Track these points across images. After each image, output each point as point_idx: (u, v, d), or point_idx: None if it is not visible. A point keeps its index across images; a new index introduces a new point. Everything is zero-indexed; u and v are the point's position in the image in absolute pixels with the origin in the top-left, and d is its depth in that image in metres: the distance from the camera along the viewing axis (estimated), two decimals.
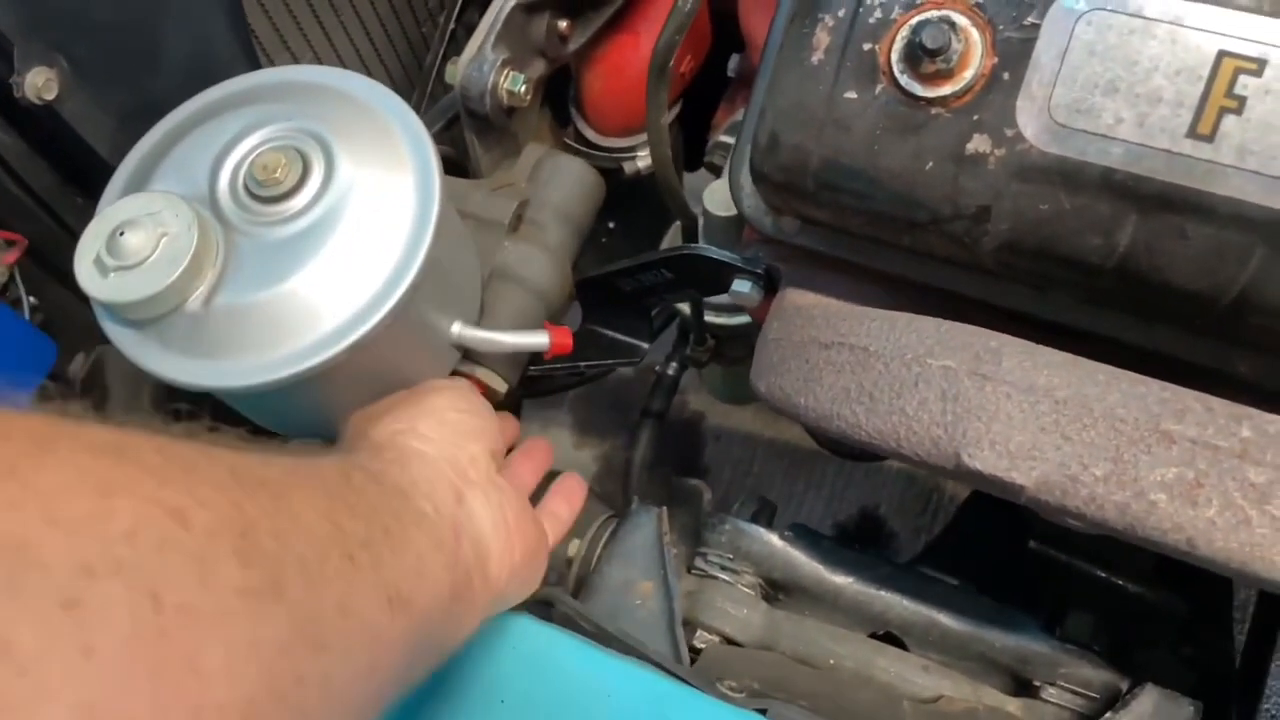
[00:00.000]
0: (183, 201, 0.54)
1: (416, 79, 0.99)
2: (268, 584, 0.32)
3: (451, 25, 0.98)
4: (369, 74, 0.89)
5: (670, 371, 0.97)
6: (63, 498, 0.27)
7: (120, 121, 0.72)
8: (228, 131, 0.59)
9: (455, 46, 0.96)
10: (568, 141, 0.95)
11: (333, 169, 0.57)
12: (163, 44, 0.75)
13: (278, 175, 0.56)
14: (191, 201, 0.55)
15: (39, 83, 0.67)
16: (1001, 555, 0.77)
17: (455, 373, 0.70)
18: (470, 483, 0.53)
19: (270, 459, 0.38)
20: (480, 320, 0.72)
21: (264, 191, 0.56)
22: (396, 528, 0.43)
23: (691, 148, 1.02)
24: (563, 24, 0.81)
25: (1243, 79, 0.44)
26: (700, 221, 0.81)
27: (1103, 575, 0.72)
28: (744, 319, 0.87)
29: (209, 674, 0.28)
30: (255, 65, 0.81)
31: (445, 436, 0.54)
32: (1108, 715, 0.61)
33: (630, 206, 0.97)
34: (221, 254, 0.55)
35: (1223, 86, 0.45)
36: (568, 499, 0.68)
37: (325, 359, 0.54)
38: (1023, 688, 0.67)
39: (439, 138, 0.83)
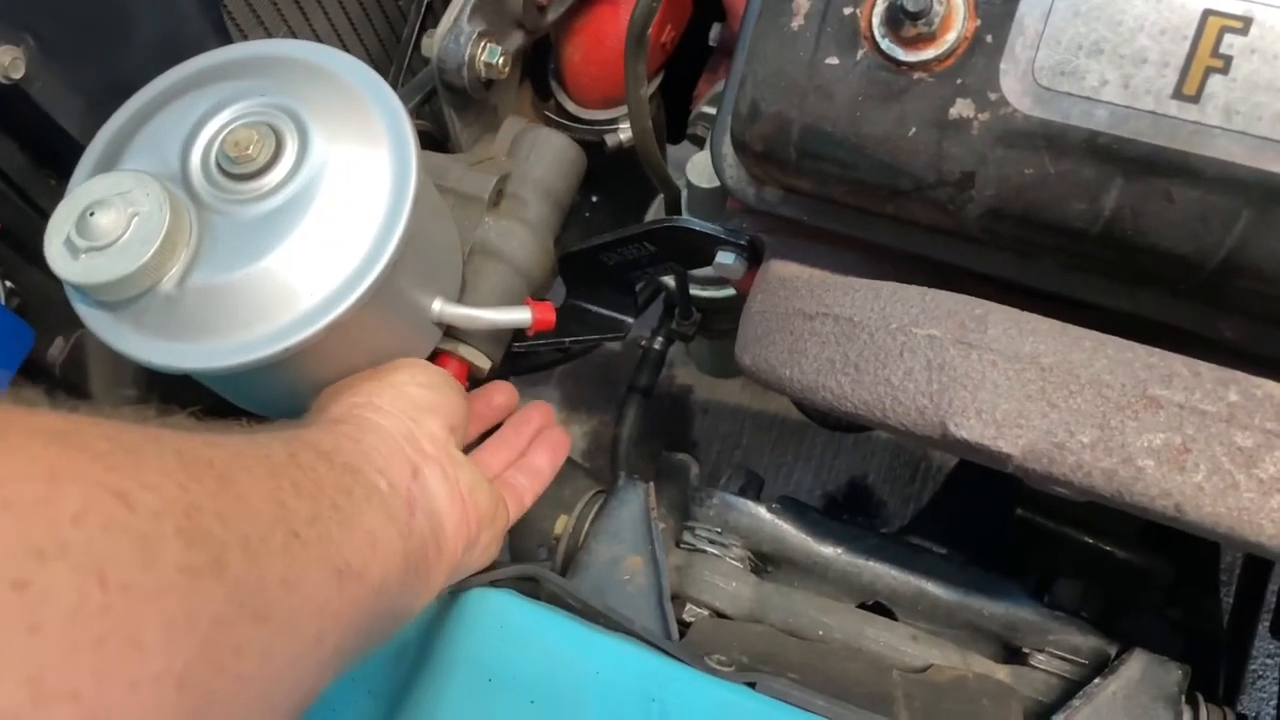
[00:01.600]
0: (154, 180, 0.53)
1: (394, 52, 0.97)
2: (209, 562, 0.34)
3: None
4: (345, 48, 0.88)
5: (657, 346, 0.96)
6: (14, 483, 0.29)
7: (90, 100, 0.71)
8: (199, 108, 0.58)
9: (433, 19, 0.95)
10: (548, 115, 0.94)
11: (306, 145, 0.56)
12: (132, 20, 0.74)
13: (250, 152, 0.55)
14: (163, 180, 0.54)
15: (5, 62, 0.65)
16: (989, 523, 0.77)
17: (437, 351, 0.69)
18: (426, 457, 0.53)
19: (218, 440, 0.40)
20: (461, 297, 0.71)
21: (237, 169, 0.55)
22: (346, 503, 0.44)
23: (675, 119, 1.01)
24: None
25: (1228, 38, 0.44)
26: (684, 194, 0.80)
27: (1090, 541, 0.72)
28: (730, 291, 0.87)
29: (148, 647, 0.30)
30: (227, 40, 0.79)
31: (403, 410, 0.55)
32: (1096, 681, 0.61)
33: (613, 180, 0.96)
34: (195, 233, 0.54)
35: (1208, 46, 0.44)
36: (550, 452, 0.69)
37: (303, 338, 0.53)
38: (1012, 655, 0.67)
39: (417, 112, 0.82)
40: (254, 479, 0.39)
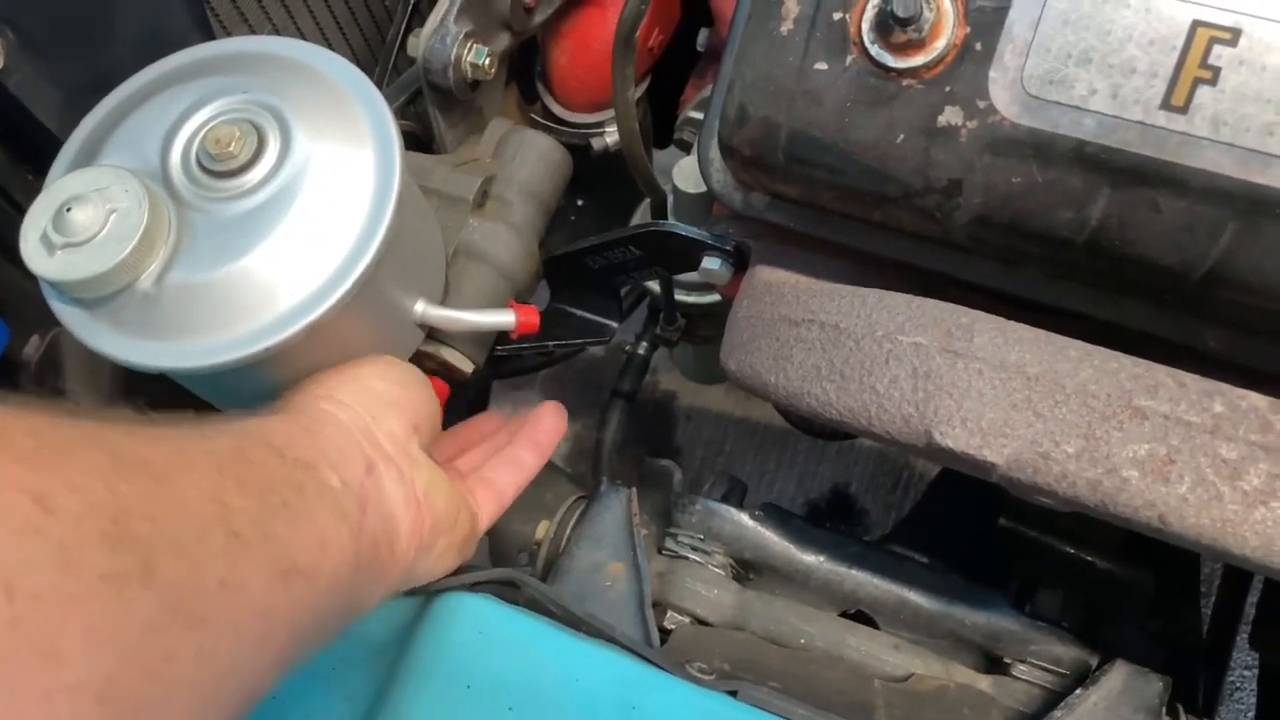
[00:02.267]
0: (132, 176, 0.52)
1: (379, 52, 0.97)
2: (137, 566, 0.33)
3: None
4: (329, 47, 0.87)
5: (641, 351, 0.96)
6: None
7: (69, 94, 0.70)
8: (180, 104, 0.57)
9: (419, 19, 0.94)
10: (534, 118, 0.94)
11: (289, 143, 0.55)
12: (114, 14, 0.73)
13: (231, 149, 0.54)
14: (142, 176, 0.53)
15: None
16: (972, 533, 0.77)
17: (420, 352, 0.69)
18: (384, 455, 0.52)
19: (162, 435, 0.39)
20: (445, 299, 0.71)
21: (217, 166, 0.54)
22: (296, 501, 0.43)
23: (661, 125, 1.00)
24: None
25: (1217, 49, 0.44)
26: (670, 199, 0.80)
27: (1072, 552, 0.72)
28: (714, 297, 0.86)
29: (64, 658, 0.29)
30: (210, 37, 0.78)
31: (364, 405, 0.53)
32: (1078, 691, 0.61)
33: (599, 184, 0.95)
34: (174, 230, 0.53)
35: (1197, 57, 0.44)
36: (534, 442, 0.66)
37: (282, 339, 0.53)
38: (993, 665, 0.67)
39: (402, 113, 0.82)
40: (195, 477, 0.38)
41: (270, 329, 0.53)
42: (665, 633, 0.67)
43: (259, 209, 0.54)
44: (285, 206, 0.54)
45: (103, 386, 0.80)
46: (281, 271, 0.54)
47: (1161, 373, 0.49)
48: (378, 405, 0.54)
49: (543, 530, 0.74)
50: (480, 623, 0.56)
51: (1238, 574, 0.95)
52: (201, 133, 0.55)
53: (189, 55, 0.61)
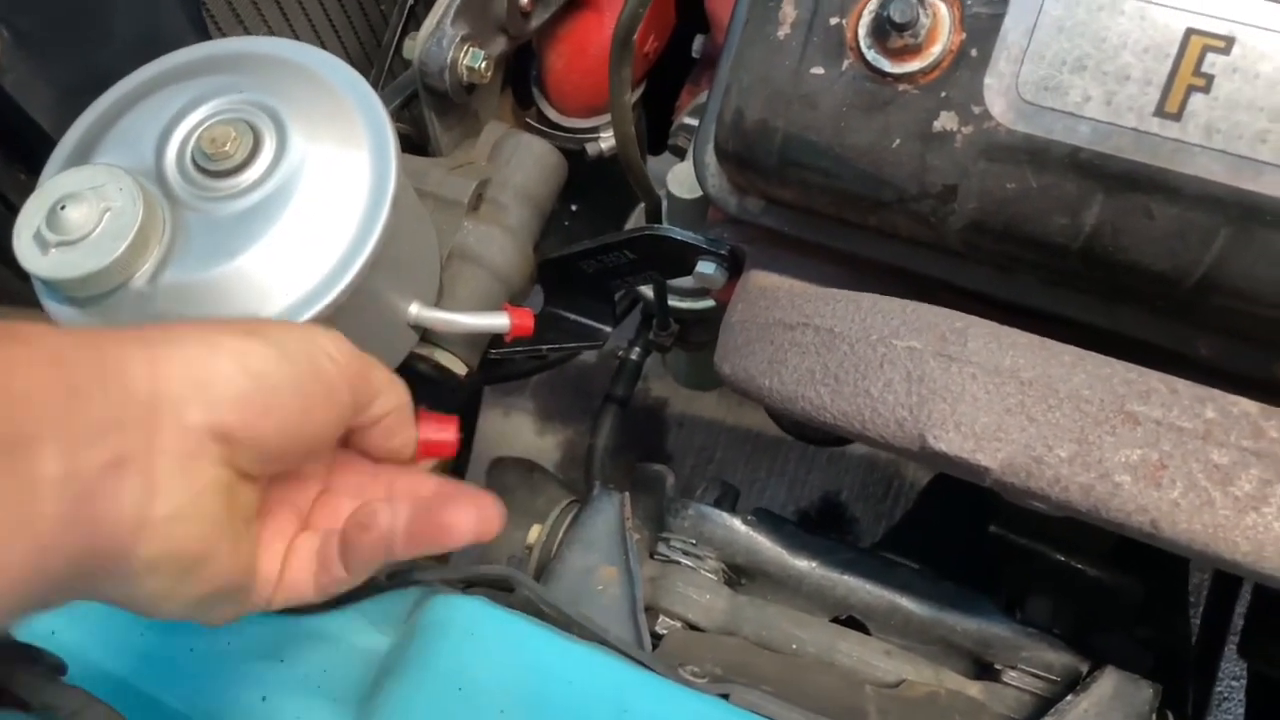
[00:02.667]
0: (127, 175, 0.52)
1: (374, 56, 0.97)
2: None
3: (411, 0, 0.96)
4: (325, 49, 0.87)
5: (633, 357, 0.96)
6: None
7: (64, 94, 0.70)
8: (175, 103, 0.57)
9: (415, 22, 0.94)
10: (529, 122, 0.94)
11: (285, 143, 0.55)
12: (109, 15, 0.73)
13: (227, 149, 0.54)
14: (137, 175, 0.53)
15: None
16: (962, 541, 0.77)
17: (414, 354, 0.69)
18: (147, 450, 0.37)
19: None
20: (439, 301, 0.71)
21: (213, 165, 0.54)
22: None
23: (655, 132, 1.01)
24: (524, 0, 0.79)
25: (1210, 57, 0.44)
26: (664, 204, 0.80)
27: (1062, 559, 0.73)
28: (708, 303, 0.87)
29: None
30: (206, 38, 0.78)
31: (180, 381, 0.39)
32: (1069, 698, 0.61)
33: (593, 189, 0.95)
34: (168, 230, 0.53)
35: (1190, 64, 0.44)
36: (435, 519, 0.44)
37: None
38: (984, 671, 0.67)
39: (397, 115, 0.82)
40: None
41: None
42: (657, 637, 0.67)
43: (254, 209, 0.54)
44: (280, 207, 0.54)
45: None
46: (276, 272, 0.54)
47: (1154, 378, 0.49)
48: (196, 389, 0.39)
49: (534, 534, 0.73)
50: (472, 625, 0.55)
51: (1226, 583, 0.95)
52: (197, 132, 0.55)
53: (185, 55, 0.61)
